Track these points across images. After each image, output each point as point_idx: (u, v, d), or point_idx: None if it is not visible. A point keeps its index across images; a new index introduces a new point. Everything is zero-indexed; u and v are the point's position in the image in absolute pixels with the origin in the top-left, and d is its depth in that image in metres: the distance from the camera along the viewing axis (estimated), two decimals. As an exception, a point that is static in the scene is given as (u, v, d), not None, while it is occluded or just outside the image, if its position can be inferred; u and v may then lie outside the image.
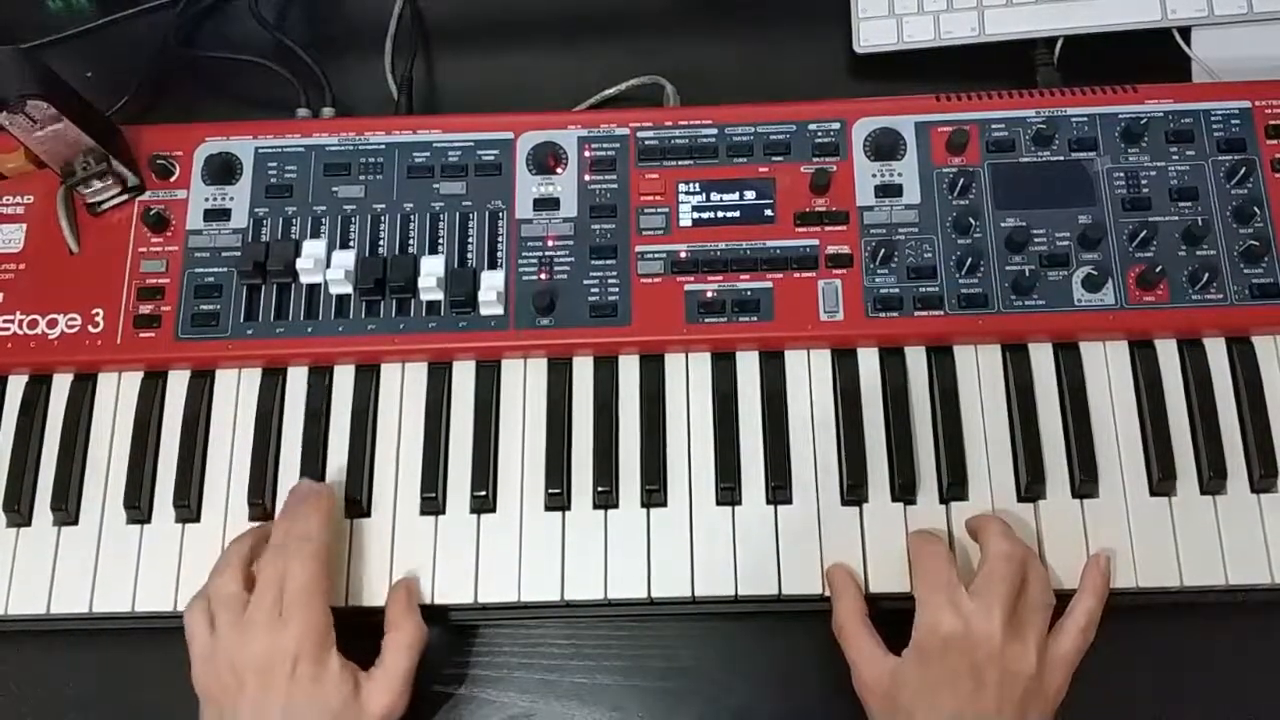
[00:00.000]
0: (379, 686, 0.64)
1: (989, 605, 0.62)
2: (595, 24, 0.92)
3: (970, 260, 0.73)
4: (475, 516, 0.71)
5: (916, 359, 0.74)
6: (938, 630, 0.62)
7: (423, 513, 0.71)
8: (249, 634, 0.63)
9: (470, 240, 0.76)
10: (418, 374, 0.74)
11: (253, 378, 0.75)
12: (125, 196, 0.76)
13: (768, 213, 0.75)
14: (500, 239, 0.75)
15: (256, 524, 0.71)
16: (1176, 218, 0.74)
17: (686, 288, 0.74)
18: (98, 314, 0.74)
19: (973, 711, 0.61)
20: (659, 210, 0.76)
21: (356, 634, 0.72)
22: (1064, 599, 0.69)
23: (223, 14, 0.93)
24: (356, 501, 0.71)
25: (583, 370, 0.74)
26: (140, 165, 0.77)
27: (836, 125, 0.77)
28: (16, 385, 0.75)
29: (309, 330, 0.74)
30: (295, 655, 0.62)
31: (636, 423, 0.73)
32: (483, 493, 0.71)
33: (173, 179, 0.77)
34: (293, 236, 0.76)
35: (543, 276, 0.74)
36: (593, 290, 0.74)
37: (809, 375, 0.74)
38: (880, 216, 0.75)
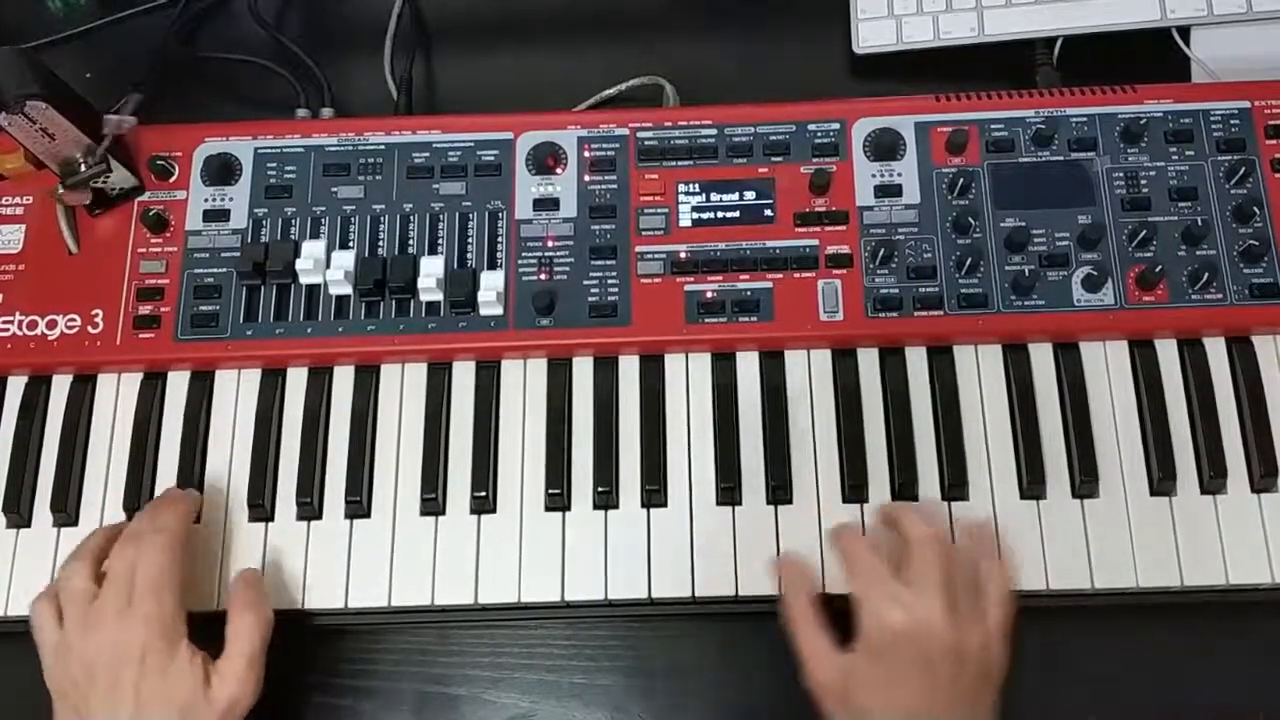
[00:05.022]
0: (223, 675, 0.63)
1: (928, 593, 0.62)
2: (595, 24, 0.92)
3: (970, 260, 0.73)
4: (475, 517, 0.71)
5: (916, 359, 0.74)
6: (886, 625, 0.62)
7: (423, 513, 0.71)
8: (97, 627, 0.62)
9: (470, 240, 0.76)
10: (417, 374, 0.74)
11: (252, 378, 0.74)
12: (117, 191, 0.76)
13: (768, 213, 0.75)
14: (500, 239, 0.75)
15: (112, 523, 0.69)
16: (1176, 218, 0.74)
17: (686, 288, 0.74)
18: (97, 315, 0.74)
19: (929, 704, 0.60)
20: (659, 210, 0.76)
21: (350, 636, 0.72)
22: (1065, 598, 0.69)
23: (223, 14, 0.93)
24: (356, 502, 0.71)
25: (583, 370, 0.74)
26: (140, 165, 0.77)
27: (836, 125, 0.77)
28: (16, 386, 0.75)
29: (308, 331, 0.74)
30: (143, 646, 0.61)
31: (636, 423, 0.73)
32: (483, 493, 0.71)
33: (172, 179, 0.77)
34: (292, 237, 0.76)
35: (542, 277, 0.74)
36: (592, 290, 0.74)
37: (809, 375, 0.74)
38: (880, 216, 0.75)
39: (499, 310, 0.73)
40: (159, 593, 0.63)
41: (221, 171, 0.77)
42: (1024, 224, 0.74)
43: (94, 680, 0.61)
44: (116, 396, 0.74)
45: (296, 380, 0.74)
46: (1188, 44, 0.84)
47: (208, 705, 0.62)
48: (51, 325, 0.74)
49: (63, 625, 0.63)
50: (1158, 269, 0.72)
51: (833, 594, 0.68)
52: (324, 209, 0.76)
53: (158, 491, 0.72)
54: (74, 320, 0.74)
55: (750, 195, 0.76)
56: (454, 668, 0.72)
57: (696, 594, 0.69)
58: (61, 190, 0.72)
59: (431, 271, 0.73)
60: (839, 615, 0.65)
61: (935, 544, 0.64)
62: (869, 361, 0.74)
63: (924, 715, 0.61)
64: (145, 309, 0.74)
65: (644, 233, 0.75)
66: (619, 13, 0.93)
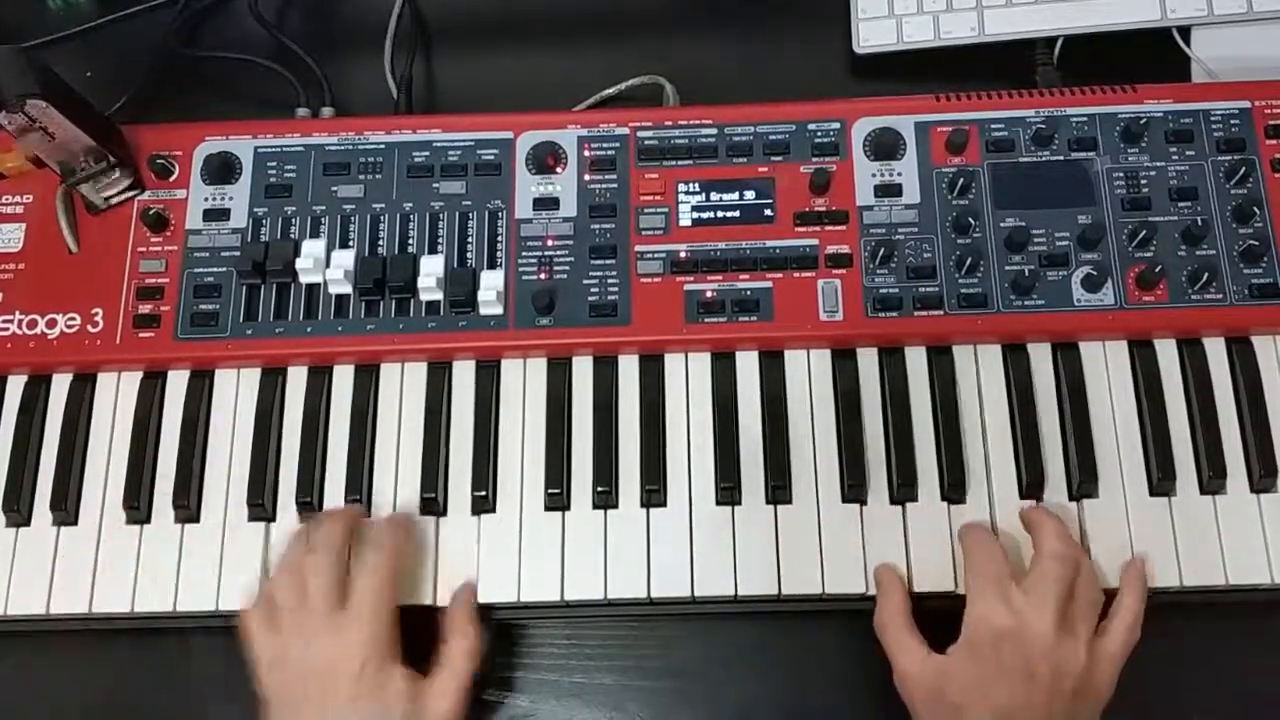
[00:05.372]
0: (441, 691, 0.64)
1: (1042, 602, 0.62)
2: (595, 24, 0.92)
3: (970, 260, 0.73)
4: (475, 517, 0.71)
5: (916, 359, 0.74)
6: (991, 624, 0.62)
7: (422, 513, 0.71)
8: (316, 638, 0.63)
9: (470, 240, 0.76)
10: (417, 374, 0.74)
11: (252, 378, 0.75)
12: (126, 195, 0.76)
13: (767, 212, 0.75)
14: (500, 239, 0.75)
15: (307, 523, 0.70)
16: (1176, 218, 0.74)
17: (686, 287, 0.74)
18: (97, 314, 0.74)
19: (1024, 707, 0.61)
20: (659, 210, 0.76)
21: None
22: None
23: (223, 14, 0.93)
24: (356, 501, 0.71)
25: (582, 370, 0.74)
26: (140, 165, 0.77)
27: (836, 125, 0.77)
28: (16, 385, 0.75)
29: (308, 330, 0.74)
30: (362, 660, 0.62)
31: (636, 423, 0.73)
32: (482, 493, 0.71)
33: (172, 179, 0.77)
34: (292, 236, 0.76)
35: (542, 276, 0.74)
36: (592, 290, 0.74)
37: (809, 375, 0.74)
38: (880, 216, 0.75)
39: (499, 310, 0.74)
40: (378, 607, 0.64)
41: (221, 171, 0.77)
42: (1024, 224, 0.74)
43: (310, 690, 0.62)
44: (116, 395, 0.74)
45: (296, 379, 0.74)
46: (1188, 44, 0.84)
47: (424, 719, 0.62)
48: (51, 324, 0.74)
49: (279, 634, 0.64)
50: (1158, 269, 0.72)
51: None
52: (324, 208, 0.76)
53: (157, 491, 0.72)
54: (74, 319, 0.74)
55: (750, 195, 0.76)
56: (454, 667, 0.72)
57: (696, 594, 0.69)
58: (78, 186, 0.73)
59: (431, 271, 0.73)
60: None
61: (1065, 561, 0.64)
62: (869, 361, 0.74)
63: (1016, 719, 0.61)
64: (145, 308, 0.74)
65: (644, 232, 0.75)
66: (619, 13, 0.93)
